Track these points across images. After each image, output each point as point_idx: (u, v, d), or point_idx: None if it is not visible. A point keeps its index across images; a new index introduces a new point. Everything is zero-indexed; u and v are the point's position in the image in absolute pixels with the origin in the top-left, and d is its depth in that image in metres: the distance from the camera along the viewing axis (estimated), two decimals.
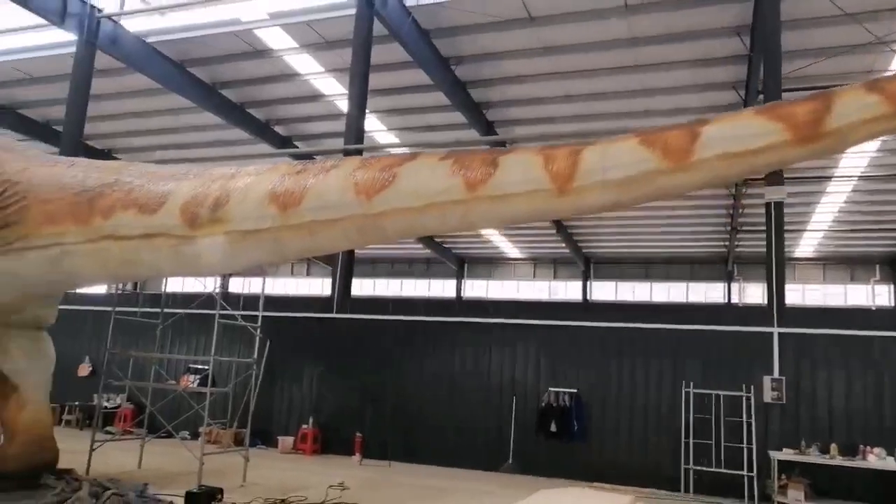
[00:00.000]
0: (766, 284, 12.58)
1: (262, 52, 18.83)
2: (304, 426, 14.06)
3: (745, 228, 27.11)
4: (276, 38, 18.10)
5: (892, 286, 31.94)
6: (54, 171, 7.50)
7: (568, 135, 21.51)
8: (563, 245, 33.10)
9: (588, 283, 36.93)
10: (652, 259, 35.46)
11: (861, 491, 10.79)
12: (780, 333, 11.88)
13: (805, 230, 28.91)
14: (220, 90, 21.00)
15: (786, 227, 12.90)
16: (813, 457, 11.01)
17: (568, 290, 37.38)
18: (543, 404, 12.97)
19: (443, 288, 39.28)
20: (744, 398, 11.81)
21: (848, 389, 11.46)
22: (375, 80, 17.02)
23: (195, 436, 13.69)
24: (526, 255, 37.88)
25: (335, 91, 20.51)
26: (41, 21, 17.14)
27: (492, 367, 13.62)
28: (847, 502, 10.63)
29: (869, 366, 11.49)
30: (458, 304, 17.23)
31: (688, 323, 12.84)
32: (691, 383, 12.15)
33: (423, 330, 14.20)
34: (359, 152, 15.66)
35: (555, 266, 38.06)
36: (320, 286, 38.65)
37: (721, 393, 11.96)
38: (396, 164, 5.86)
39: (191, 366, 15.27)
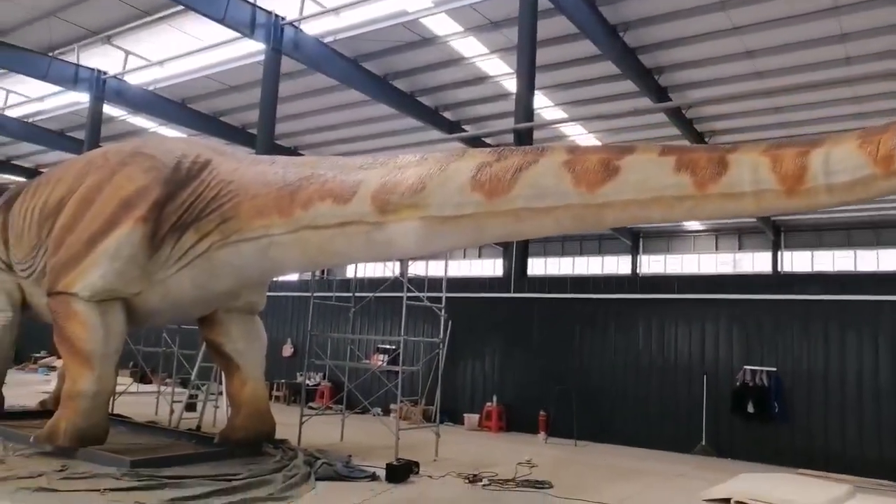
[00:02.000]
0: None
1: (429, 40, 19.32)
2: (489, 404, 14.36)
3: None
4: (441, 25, 18.47)
5: None
6: (259, 170, 8.20)
7: (748, 95, 19.88)
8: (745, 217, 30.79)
9: (779, 253, 34.02)
10: (856, 224, 31.84)
11: None
12: None
13: None
14: (391, 81, 21.86)
15: None
16: None
17: (755, 262, 34.70)
18: (738, 384, 12.15)
19: (617, 265, 38.23)
20: None
21: None
22: (541, 56, 16.77)
23: (386, 412, 14.52)
24: (707, 227, 35.75)
25: (501, 71, 20.56)
26: (233, 34, 18.87)
27: (679, 345, 13.00)
28: None
29: None
30: (640, 281, 16.63)
31: None
32: None
33: (604, 308, 13.87)
34: (529, 130, 15.59)
35: (739, 237, 35.50)
36: (492, 267, 39.23)
37: None
38: (614, 157, 5.98)
39: (379, 346, 16.18)
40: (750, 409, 11.91)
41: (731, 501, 8.49)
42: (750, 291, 12.83)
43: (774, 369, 11.96)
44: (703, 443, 12.28)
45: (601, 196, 5.91)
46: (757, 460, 11.53)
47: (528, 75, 15.59)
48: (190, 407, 12.48)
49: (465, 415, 14.49)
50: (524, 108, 15.37)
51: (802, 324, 11.95)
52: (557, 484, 8.92)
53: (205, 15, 17.29)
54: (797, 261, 33.85)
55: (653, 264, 37.55)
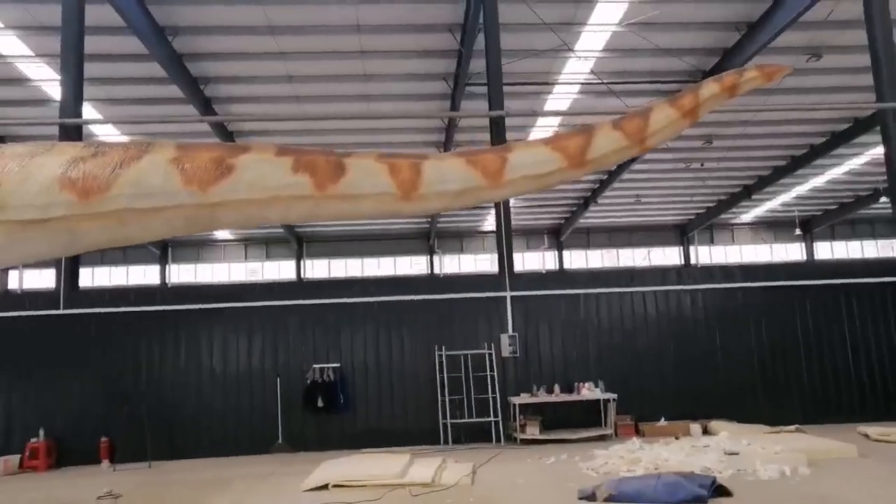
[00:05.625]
0: (497, 255, 14.55)
1: None
2: (34, 440, 12.26)
3: None
4: None
5: (556, 252, 38.41)
6: None
7: (289, 117, 21.63)
8: (276, 224, 32.98)
9: (302, 261, 37.29)
10: (364, 236, 37.09)
11: (579, 417, 13.35)
12: (511, 297, 13.92)
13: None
14: None
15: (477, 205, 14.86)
16: (542, 397, 13.31)
17: (281, 269, 37.27)
18: (309, 381, 13.27)
19: (144, 275, 36.13)
20: (486, 355, 13.62)
21: (563, 339, 13.97)
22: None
23: None
24: (236, 236, 36.76)
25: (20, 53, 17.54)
26: None
27: (252, 351, 13.44)
28: (570, 428, 13.08)
29: (575, 317, 14.11)
30: (202, 291, 16.41)
31: (431, 293, 14.22)
32: (443, 347, 13.57)
33: (171, 320, 13.35)
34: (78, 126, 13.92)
35: (267, 246, 37.59)
36: (41, 279, 32.62)
37: (469, 352, 13.60)
38: (228, 155, 5.85)
39: None
40: (320, 403, 13.13)
41: (329, 486, 9.40)
42: (299, 297, 14.17)
43: (339, 365, 13.46)
44: (280, 441, 12.98)
45: (214, 195, 5.70)
46: (329, 449, 12.66)
47: (76, 70, 13.75)
48: None
49: None
50: (73, 104, 13.61)
51: (360, 323, 13.76)
52: None
53: None
54: (316, 268, 37.65)
55: (183, 273, 36.73)
